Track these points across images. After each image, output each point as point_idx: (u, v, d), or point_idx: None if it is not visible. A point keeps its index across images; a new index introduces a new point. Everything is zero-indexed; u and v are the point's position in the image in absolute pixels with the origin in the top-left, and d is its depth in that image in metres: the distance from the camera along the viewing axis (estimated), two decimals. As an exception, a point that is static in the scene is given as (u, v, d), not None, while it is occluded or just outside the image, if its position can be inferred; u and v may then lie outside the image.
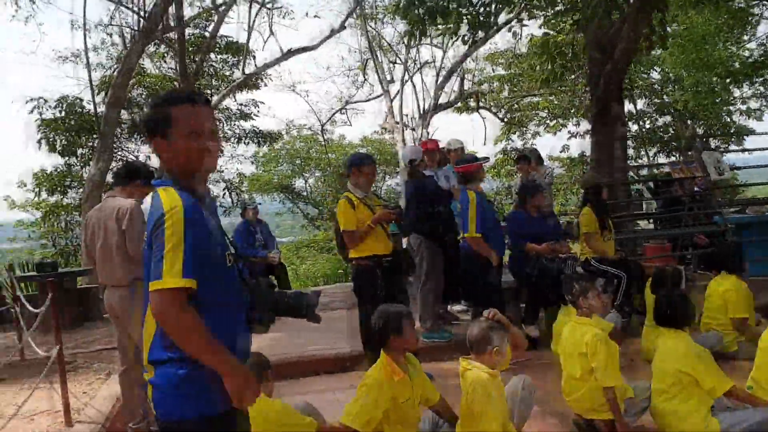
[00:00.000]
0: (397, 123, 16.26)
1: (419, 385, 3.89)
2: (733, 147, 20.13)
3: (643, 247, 8.26)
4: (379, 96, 18.47)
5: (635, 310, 6.80)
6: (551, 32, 10.26)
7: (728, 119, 22.79)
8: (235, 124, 16.82)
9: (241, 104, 16.64)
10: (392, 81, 17.47)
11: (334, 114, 21.00)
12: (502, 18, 9.70)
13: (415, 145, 6.82)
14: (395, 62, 19.53)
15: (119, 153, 15.54)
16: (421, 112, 16.14)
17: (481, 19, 9.04)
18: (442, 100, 17.65)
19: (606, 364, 3.97)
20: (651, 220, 9.08)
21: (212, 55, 15.92)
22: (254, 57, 15.27)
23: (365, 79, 19.83)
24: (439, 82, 15.89)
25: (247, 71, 14.69)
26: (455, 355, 6.51)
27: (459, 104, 18.81)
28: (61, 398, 4.68)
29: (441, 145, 7.47)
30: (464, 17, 8.81)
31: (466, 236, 5.74)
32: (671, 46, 17.21)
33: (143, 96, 15.46)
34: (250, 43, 14.39)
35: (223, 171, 17.11)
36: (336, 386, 5.62)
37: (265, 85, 15.94)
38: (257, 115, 16.73)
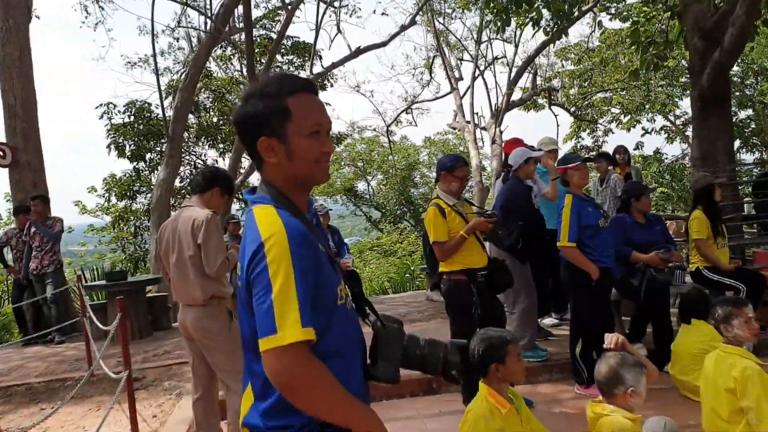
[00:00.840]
0: (468, 122, 15.63)
1: (527, 419, 3.37)
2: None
3: (751, 254, 7.47)
4: (446, 94, 17.89)
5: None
6: (640, 19, 9.50)
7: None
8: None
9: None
10: (461, 78, 16.88)
11: (399, 114, 20.51)
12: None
13: (524, 147, 6.18)
14: (462, 59, 18.95)
15: (187, 157, 15.44)
16: (493, 110, 15.47)
17: (566, 7, 8.42)
18: (515, 96, 16.93)
19: (760, 404, 3.33)
20: (755, 225, 8.23)
21: (278, 57, 15.67)
22: (320, 57, 14.94)
23: (431, 78, 19.33)
24: (512, 78, 15.18)
25: (314, 71, 14.33)
26: (551, 375, 6.02)
27: (531, 101, 18.06)
28: (129, 423, 4.31)
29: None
30: (549, 5, 8.22)
31: (559, 246, 5.12)
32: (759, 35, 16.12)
33: (210, 99, 15.32)
34: (317, 42, 14.00)
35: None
36: (425, 412, 5.11)
37: (331, 85, 15.57)
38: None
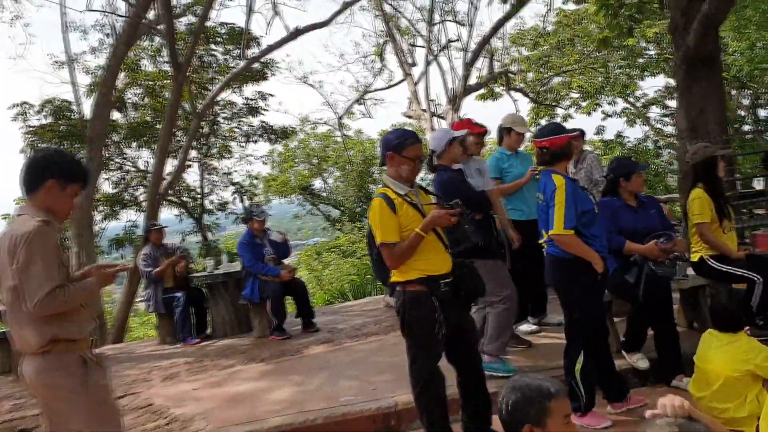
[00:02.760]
0: (424, 110, 14.52)
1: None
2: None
3: (751, 237, 6.51)
4: (400, 82, 16.82)
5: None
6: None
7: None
8: (242, 121, 15.20)
9: (247, 98, 15.05)
10: (414, 64, 15.80)
11: (351, 105, 19.34)
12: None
13: (444, 128, 5.03)
14: (414, 45, 17.86)
15: (118, 160, 14.09)
16: (450, 96, 14.41)
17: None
18: (472, 81, 15.88)
19: None
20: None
21: (214, 46, 14.39)
22: (258, 44, 13.66)
23: (383, 65, 18.20)
24: (468, 60, 14.13)
25: (247, 56, 13.03)
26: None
27: (489, 86, 17.07)
28: None
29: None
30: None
31: (553, 234, 4.03)
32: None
33: (140, 96, 13.97)
34: (254, 28, 12.76)
35: (231, 173, 15.53)
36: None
37: (273, 74, 14.31)
38: (266, 110, 15.13)
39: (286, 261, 7.68)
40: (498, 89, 19.53)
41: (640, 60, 22.56)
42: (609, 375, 4.28)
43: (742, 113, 22.54)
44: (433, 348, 3.61)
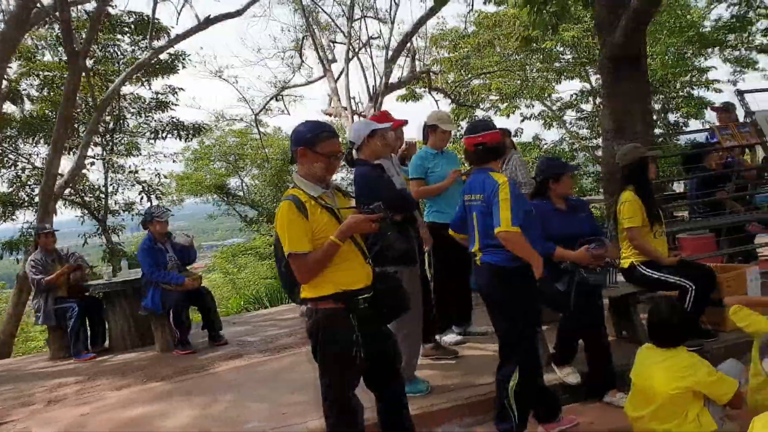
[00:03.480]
0: (345, 108, 14.02)
1: None
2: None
3: (677, 242, 6.38)
4: (319, 78, 16.27)
5: (706, 333, 4.91)
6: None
7: (690, 91, 21.45)
8: (150, 116, 14.27)
9: (156, 93, 14.14)
10: (334, 60, 15.30)
11: (269, 101, 18.61)
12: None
13: (364, 120, 4.59)
14: (334, 41, 17.37)
15: (11, 156, 12.95)
16: (371, 94, 13.98)
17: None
18: (393, 78, 15.50)
19: None
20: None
21: (120, 36, 13.45)
22: (168, 34, 12.81)
23: (302, 61, 17.59)
24: (390, 57, 13.72)
25: (154, 46, 12.20)
26: (462, 419, 4.56)
27: (410, 85, 16.76)
28: None
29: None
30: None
31: (500, 232, 3.63)
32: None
33: (36, 87, 12.90)
34: (163, 17, 11.97)
35: (138, 171, 14.55)
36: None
37: (184, 67, 13.46)
38: (177, 104, 14.25)
39: (192, 267, 7.07)
40: (419, 90, 19.29)
41: (557, 64, 22.92)
42: (540, 392, 3.95)
43: (654, 117, 23.13)
44: (350, 374, 3.16)
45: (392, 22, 13.83)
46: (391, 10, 13.98)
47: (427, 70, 17.06)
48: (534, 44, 11.34)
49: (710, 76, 20.62)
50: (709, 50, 19.27)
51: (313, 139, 3.15)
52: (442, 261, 5.42)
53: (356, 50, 14.29)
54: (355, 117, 14.29)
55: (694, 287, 4.63)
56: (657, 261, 4.81)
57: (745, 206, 6.51)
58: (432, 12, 13.66)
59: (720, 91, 21.42)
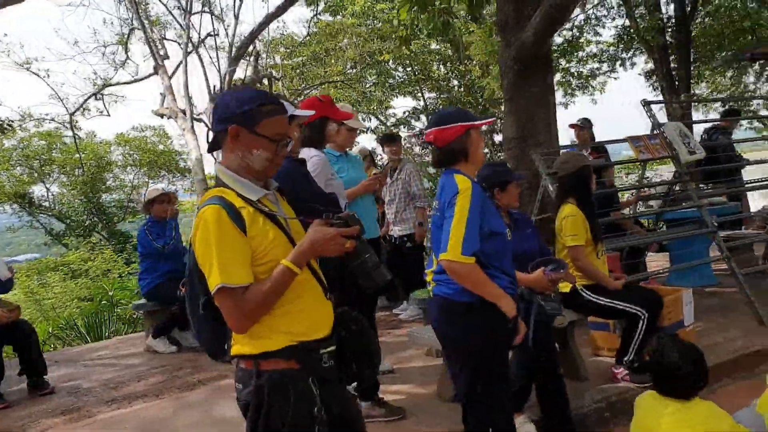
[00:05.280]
0: (183, 110, 12.43)
1: None
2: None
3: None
4: (150, 75, 14.46)
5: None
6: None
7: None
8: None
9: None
10: (167, 57, 13.65)
11: (86, 100, 16.39)
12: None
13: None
14: (164, 38, 15.65)
15: None
16: (212, 93, 12.58)
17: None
18: (237, 82, 14.16)
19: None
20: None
21: None
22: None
23: (128, 57, 15.68)
24: (233, 55, 12.41)
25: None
26: None
27: (253, 87, 15.52)
28: None
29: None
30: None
31: (443, 260, 2.75)
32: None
33: None
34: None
35: None
36: None
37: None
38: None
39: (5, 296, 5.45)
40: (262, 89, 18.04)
41: (391, 80, 22.90)
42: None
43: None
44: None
45: (236, 17, 12.59)
46: (235, 4, 12.71)
47: (268, 75, 15.92)
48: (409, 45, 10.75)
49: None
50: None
51: (252, 114, 2.07)
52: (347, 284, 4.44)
53: (196, 46, 12.83)
54: (192, 120, 12.77)
55: (646, 315, 4.08)
56: (603, 284, 4.21)
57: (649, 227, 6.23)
58: (282, 10, 12.62)
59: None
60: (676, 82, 14.94)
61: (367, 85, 23.42)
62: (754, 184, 6.67)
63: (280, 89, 17.82)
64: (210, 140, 2.19)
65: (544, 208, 5.70)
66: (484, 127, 3.02)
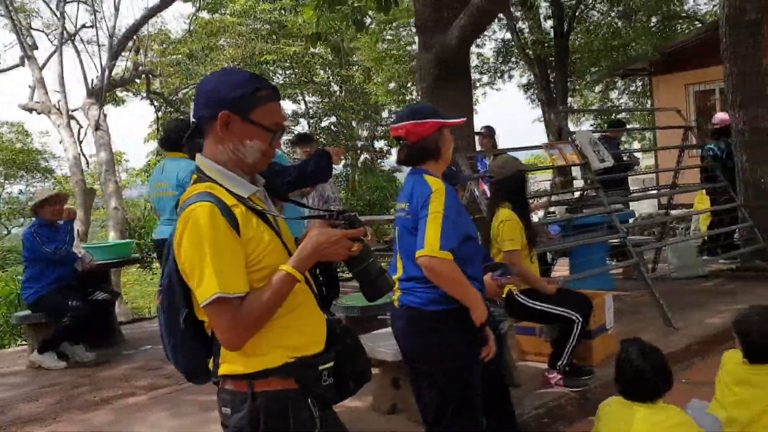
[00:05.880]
0: (56, 106, 11.34)
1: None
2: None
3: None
4: (14, 67, 13.22)
5: (586, 370, 4.38)
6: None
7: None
8: None
9: None
10: (35, 47, 12.53)
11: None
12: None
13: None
14: (31, 27, 14.42)
15: None
16: (90, 87, 11.64)
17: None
18: (116, 77, 13.22)
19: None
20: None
21: None
22: None
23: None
24: (114, 48, 11.55)
25: None
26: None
27: (131, 84, 14.61)
28: None
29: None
30: None
31: (422, 256, 2.58)
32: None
33: None
34: None
35: None
36: None
37: None
38: None
39: None
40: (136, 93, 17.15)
41: (277, 81, 22.55)
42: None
43: (360, 143, 23.84)
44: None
45: (116, 9, 11.79)
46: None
47: (147, 71, 15.07)
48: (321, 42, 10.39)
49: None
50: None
51: (247, 99, 1.82)
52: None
53: (71, 35, 11.87)
54: (67, 116, 11.76)
55: (580, 319, 4.12)
56: (538, 288, 4.21)
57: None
58: (165, 3, 11.97)
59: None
60: (554, 95, 15.66)
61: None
62: (648, 193, 7.03)
63: (157, 87, 16.95)
64: (195, 128, 1.90)
65: (469, 210, 5.69)
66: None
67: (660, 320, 5.54)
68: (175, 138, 4.48)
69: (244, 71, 1.94)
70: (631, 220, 7.67)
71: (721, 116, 7.92)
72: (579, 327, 4.10)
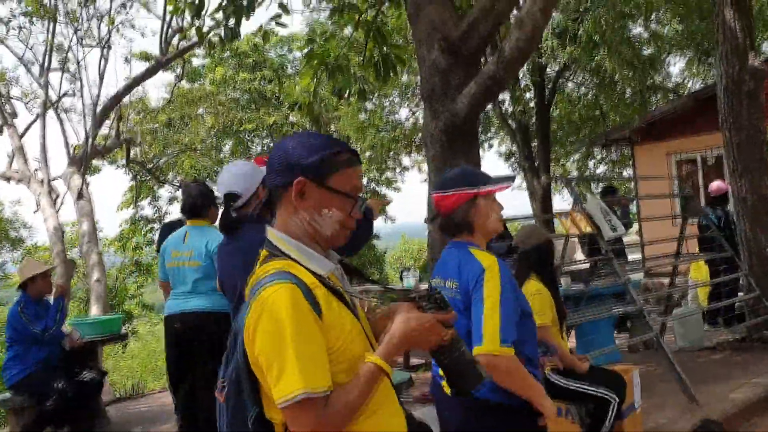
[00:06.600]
0: (37, 171, 11.00)
1: None
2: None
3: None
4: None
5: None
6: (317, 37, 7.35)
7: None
8: None
9: None
10: (15, 115, 12.28)
11: None
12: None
13: (250, 164, 3.05)
14: (10, 96, 14.19)
15: None
16: (71, 155, 11.36)
17: None
18: (99, 145, 12.97)
19: None
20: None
21: None
22: None
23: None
24: (97, 115, 11.34)
25: None
26: None
27: (113, 153, 14.37)
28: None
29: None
30: None
31: (482, 353, 2.31)
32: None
33: None
34: None
35: None
36: None
37: None
38: None
39: None
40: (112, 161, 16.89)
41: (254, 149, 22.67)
42: None
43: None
44: None
45: (101, 77, 11.63)
46: (100, 64, 11.75)
47: (128, 139, 14.87)
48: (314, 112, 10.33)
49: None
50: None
51: (326, 163, 1.61)
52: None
53: (53, 103, 11.66)
54: (53, 185, 11.45)
55: (617, 399, 3.87)
56: (570, 367, 3.97)
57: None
58: (151, 72, 11.89)
59: (399, 190, 23.00)
60: (536, 163, 15.76)
61: (223, 155, 22.82)
62: (658, 262, 6.93)
63: (136, 155, 16.72)
64: (265, 199, 1.68)
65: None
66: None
67: (678, 395, 5.31)
68: (201, 204, 4.18)
69: (319, 133, 1.74)
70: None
71: (716, 184, 7.93)
72: (615, 408, 3.86)
